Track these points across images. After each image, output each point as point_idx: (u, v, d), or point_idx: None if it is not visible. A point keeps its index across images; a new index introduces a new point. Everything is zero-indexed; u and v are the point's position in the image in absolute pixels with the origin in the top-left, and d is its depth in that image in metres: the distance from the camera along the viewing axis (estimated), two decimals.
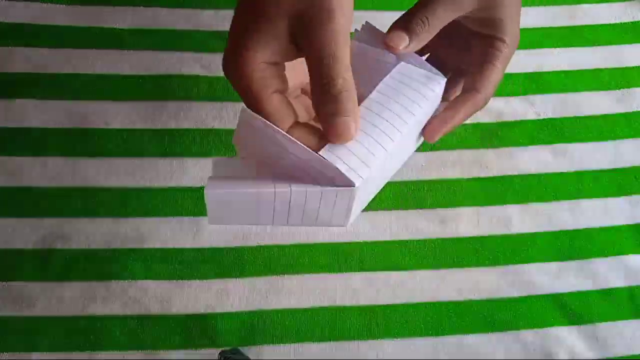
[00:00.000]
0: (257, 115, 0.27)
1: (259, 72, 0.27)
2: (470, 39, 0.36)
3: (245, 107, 0.28)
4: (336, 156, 0.27)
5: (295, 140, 0.26)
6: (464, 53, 0.37)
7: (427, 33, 0.33)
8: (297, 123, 0.29)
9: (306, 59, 0.27)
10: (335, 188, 0.27)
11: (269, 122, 0.27)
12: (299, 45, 0.27)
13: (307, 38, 0.27)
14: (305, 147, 0.26)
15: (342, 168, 0.26)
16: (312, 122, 0.31)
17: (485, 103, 0.35)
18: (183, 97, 0.48)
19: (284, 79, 0.29)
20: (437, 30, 0.33)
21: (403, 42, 0.32)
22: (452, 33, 0.35)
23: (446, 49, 0.38)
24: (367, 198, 0.32)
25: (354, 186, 0.27)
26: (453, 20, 0.34)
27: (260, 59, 0.27)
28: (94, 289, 0.43)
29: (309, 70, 0.27)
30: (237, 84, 0.28)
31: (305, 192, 0.27)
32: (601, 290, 0.45)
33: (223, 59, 0.28)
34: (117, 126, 0.47)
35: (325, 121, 0.27)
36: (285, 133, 0.27)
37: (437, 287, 0.44)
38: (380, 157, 0.28)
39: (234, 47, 0.27)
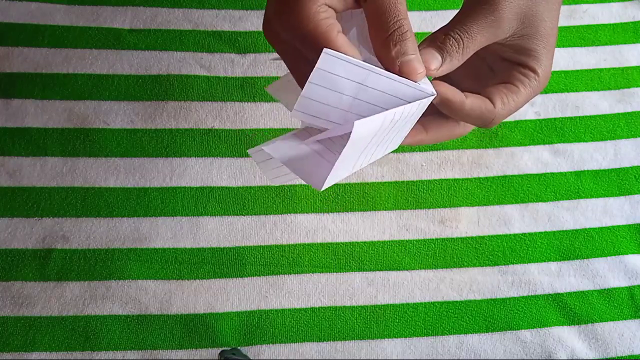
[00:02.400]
0: (339, 54, 0.26)
1: (324, 13, 0.27)
2: (496, 65, 0.33)
3: (327, 50, 0.26)
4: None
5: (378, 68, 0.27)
6: (483, 79, 0.34)
7: (461, 56, 0.30)
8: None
9: (367, 5, 0.27)
10: (418, 101, 0.28)
11: (351, 58, 0.26)
12: None
13: None
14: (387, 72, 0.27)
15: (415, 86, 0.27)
16: None
17: (491, 123, 0.32)
18: (183, 97, 0.48)
19: (339, 25, 0.28)
20: (470, 54, 0.30)
21: (435, 62, 0.29)
22: (474, 60, 0.33)
23: (463, 70, 0.33)
24: (351, 167, 0.31)
25: (434, 94, 0.28)
26: (483, 48, 0.31)
27: (321, 1, 0.27)
28: (93, 289, 0.43)
29: (371, 17, 0.27)
30: (298, 30, 0.27)
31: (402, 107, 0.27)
32: (601, 290, 0.45)
33: (270, 10, 0.28)
34: (117, 126, 0.47)
35: (395, 63, 0.27)
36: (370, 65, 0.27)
37: (437, 287, 0.44)
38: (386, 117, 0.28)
39: None
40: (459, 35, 0.30)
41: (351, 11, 0.30)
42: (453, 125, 0.33)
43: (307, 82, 0.26)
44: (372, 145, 0.29)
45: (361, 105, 0.28)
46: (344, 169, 0.29)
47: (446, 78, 0.34)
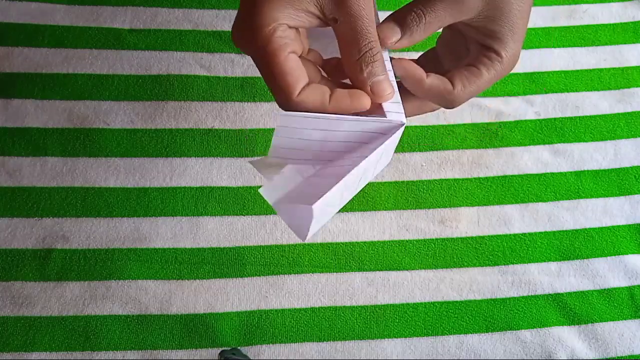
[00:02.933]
0: (295, 113, 0.27)
1: (279, 32, 0.27)
2: (470, 46, 0.34)
3: (283, 112, 0.28)
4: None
5: (337, 115, 0.28)
6: (462, 59, 0.35)
7: (422, 31, 0.31)
8: (308, 83, 0.29)
9: (339, 26, 0.28)
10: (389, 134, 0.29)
11: (308, 113, 0.27)
12: (326, 14, 0.28)
13: (343, 5, 0.28)
14: (349, 116, 0.28)
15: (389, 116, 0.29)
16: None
17: (452, 104, 0.32)
18: (183, 97, 0.48)
19: (300, 44, 0.29)
20: (432, 31, 0.31)
21: (394, 36, 0.30)
22: (454, 40, 0.34)
23: (447, 54, 0.36)
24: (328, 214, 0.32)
25: (404, 124, 0.29)
26: (456, 28, 0.32)
27: (281, 20, 0.27)
28: (93, 289, 0.43)
29: (343, 39, 0.28)
30: (252, 46, 0.28)
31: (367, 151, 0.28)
32: (601, 290, 0.45)
33: (236, 20, 0.28)
34: (117, 126, 0.47)
35: (367, 84, 0.29)
36: (327, 115, 0.28)
37: (437, 287, 0.44)
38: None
39: (251, 6, 0.27)
40: (421, 11, 0.30)
41: (321, 29, 0.31)
42: (420, 102, 0.33)
43: (274, 135, 0.28)
44: (351, 187, 0.30)
45: (332, 144, 0.29)
46: (328, 214, 0.30)
47: (434, 56, 0.36)
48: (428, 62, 0.36)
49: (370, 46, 0.28)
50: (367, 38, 0.28)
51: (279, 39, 0.27)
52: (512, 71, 0.51)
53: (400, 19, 0.31)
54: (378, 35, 0.30)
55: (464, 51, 0.34)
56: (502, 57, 0.31)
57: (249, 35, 0.28)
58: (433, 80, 0.31)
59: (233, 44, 0.49)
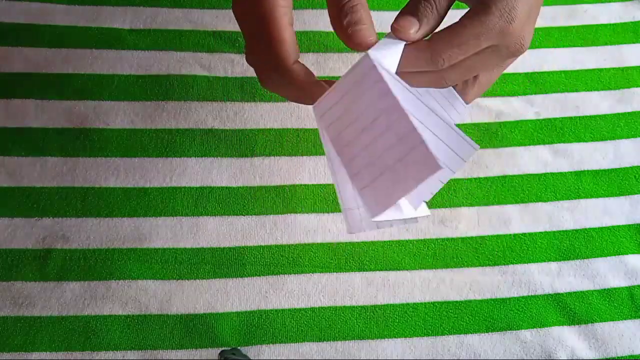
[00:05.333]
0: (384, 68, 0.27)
1: (281, 1, 0.29)
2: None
3: (369, 53, 0.28)
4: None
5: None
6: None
7: (436, 15, 0.31)
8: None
9: None
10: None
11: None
12: None
13: None
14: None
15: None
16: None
17: (435, 65, 0.31)
18: (183, 97, 0.48)
19: (293, 15, 0.30)
20: (446, 11, 0.32)
21: (413, 27, 0.31)
22: None
23: None
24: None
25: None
26: None
27: None
28: (93, 289, 0.43)
29: None
30: (255, 13, 0.29)
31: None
32: (601, 290, 0.45)
33: None
34: (117, 126, 0.47)
35: (346, 31, 0.30)
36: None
37: (437, 287, 0.44)
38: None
39: None
40: None
41: None
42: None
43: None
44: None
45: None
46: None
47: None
48: None
49: None
50: None
51: (282, 8, 0.29)
52: (512, 71, 0.52)
53: (413, 9, 0.31)
54: (396, 28, 0.31)
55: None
56: (491, 8, 0.30)
57: (252, 2, 0.29)
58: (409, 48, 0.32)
59: (233, 43, 0.50)
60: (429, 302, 0.44)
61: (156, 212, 0.45)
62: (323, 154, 0.47)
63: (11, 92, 0.47)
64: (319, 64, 0.50)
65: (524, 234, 0.46)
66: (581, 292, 0.45)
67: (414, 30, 0.31)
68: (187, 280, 0.43)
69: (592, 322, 0.44)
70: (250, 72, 0.49)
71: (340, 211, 0.46)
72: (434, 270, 0.45)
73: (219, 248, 0.44)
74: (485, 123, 0.49)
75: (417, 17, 0.31)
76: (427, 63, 0.31)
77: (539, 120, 0.49)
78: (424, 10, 0.31)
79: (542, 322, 0.44)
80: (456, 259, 0.45)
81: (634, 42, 0.53)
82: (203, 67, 0.49)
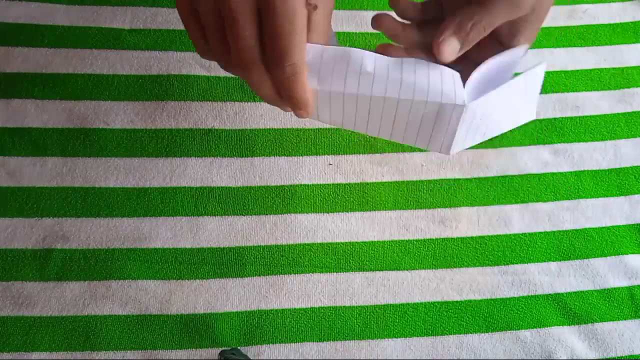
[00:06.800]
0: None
1: None
2: None
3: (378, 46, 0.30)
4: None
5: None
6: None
7: (479, 36, 0.30)
8: None
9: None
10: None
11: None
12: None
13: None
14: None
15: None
16: None
17: (439, 56, 0.31)
18: (183, 97, 0.48)
19: None
20: (489, 32, 0.31)
21: (454, 54, 0.30)
22: None
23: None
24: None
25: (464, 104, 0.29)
26: None
27: None
28: (93, 289, 0.43)
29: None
30: None
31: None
32: (601, 290, 0.45)
33: None
34: (117, 126, 0.47)
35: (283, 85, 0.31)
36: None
37: (437, 287, 0.44)
38: None
39: None
40: (479, 16, 0.30)
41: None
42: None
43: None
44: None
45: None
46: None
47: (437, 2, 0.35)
48: (428, 9, 0.36)
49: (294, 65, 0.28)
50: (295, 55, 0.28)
51: None
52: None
53: (459, 30, 0.30)
54: (437, 51, 0.30)
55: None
56: None
57: None
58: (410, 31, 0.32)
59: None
60: (428, 302, 0.44)
61: (156, 212, 0.45)
62: (323, 154, 0.47)
63: (11, 92, 0.47)
64: None
65: (524, 234, 0.46)
66: (581, 292, 0.45)
67: (454, 56, 0.30)
68: (187, 280, 0.43)
69: (592, 322, 0.44)
70: None
71: (340, 211, 0.46)
72: (434, 270, 0.45)
73: (219, 248, 0.44)
74: None
75: (462, 39, 0.30)
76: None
77: (539, 120, 0.49)
78: (473, 37, 0.30)
79: (542, 322, 0.44)
80: (456, 259, 0.45)
81: (633, 42, 0.53)
82: (203, 67, 0.49)
